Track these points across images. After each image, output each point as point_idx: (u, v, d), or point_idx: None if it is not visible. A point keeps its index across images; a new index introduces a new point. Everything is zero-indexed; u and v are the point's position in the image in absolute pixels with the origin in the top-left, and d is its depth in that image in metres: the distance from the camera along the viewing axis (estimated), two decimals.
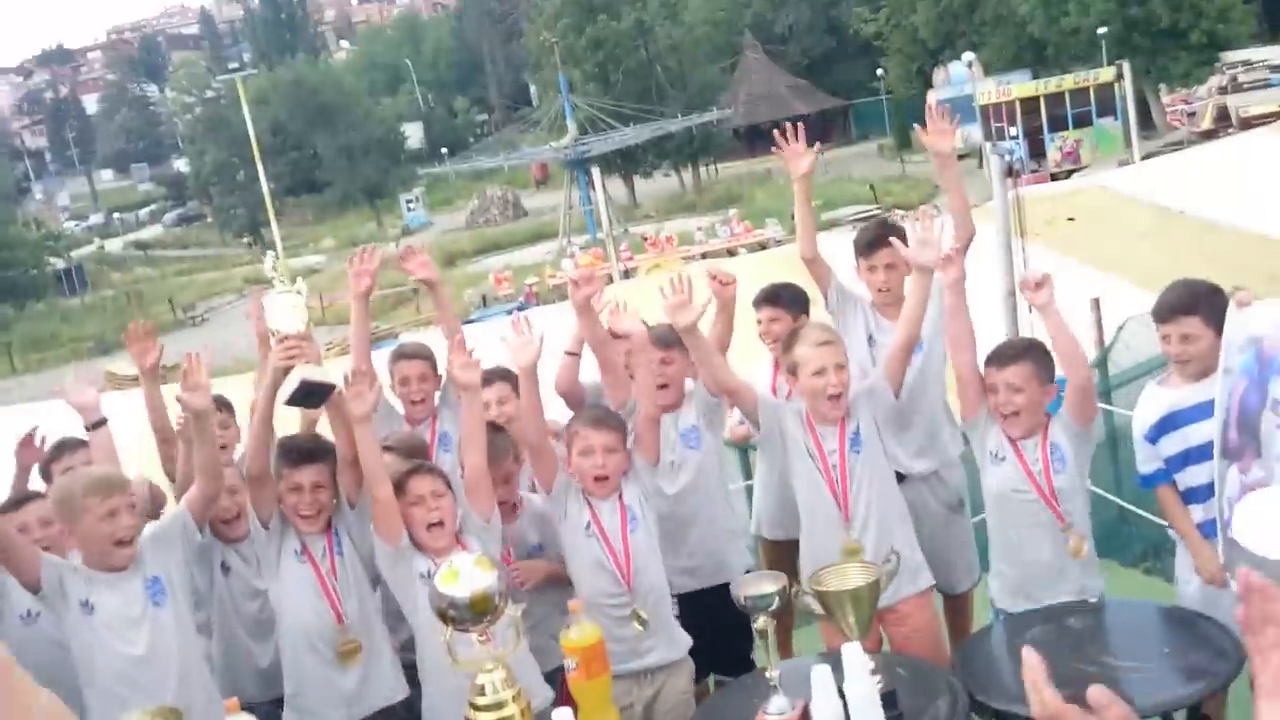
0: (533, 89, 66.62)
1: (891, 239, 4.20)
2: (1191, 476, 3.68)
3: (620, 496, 3.72)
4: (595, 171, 27.94)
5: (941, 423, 4.35)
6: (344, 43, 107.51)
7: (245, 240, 59.40)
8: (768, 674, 3.12)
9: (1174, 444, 3.69)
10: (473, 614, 2.93)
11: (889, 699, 3.05)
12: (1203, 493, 3.65)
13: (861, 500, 3.73)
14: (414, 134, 68.39)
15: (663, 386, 4.07)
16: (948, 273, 3.76)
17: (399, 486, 3.51)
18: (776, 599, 3.10)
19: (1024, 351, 3.71)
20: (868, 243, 4.32)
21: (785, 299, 4.53)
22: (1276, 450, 3.36)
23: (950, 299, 3.81)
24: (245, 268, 54.19)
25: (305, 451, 3.65)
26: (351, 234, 58.15)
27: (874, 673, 3.03)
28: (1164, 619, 3.56)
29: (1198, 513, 3.67)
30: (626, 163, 48.03)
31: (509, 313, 22.24)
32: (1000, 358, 3.72)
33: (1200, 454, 3.62)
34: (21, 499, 3.83)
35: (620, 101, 44.05)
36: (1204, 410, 3.59)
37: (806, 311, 4.52)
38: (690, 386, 4.20)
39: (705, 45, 53.04)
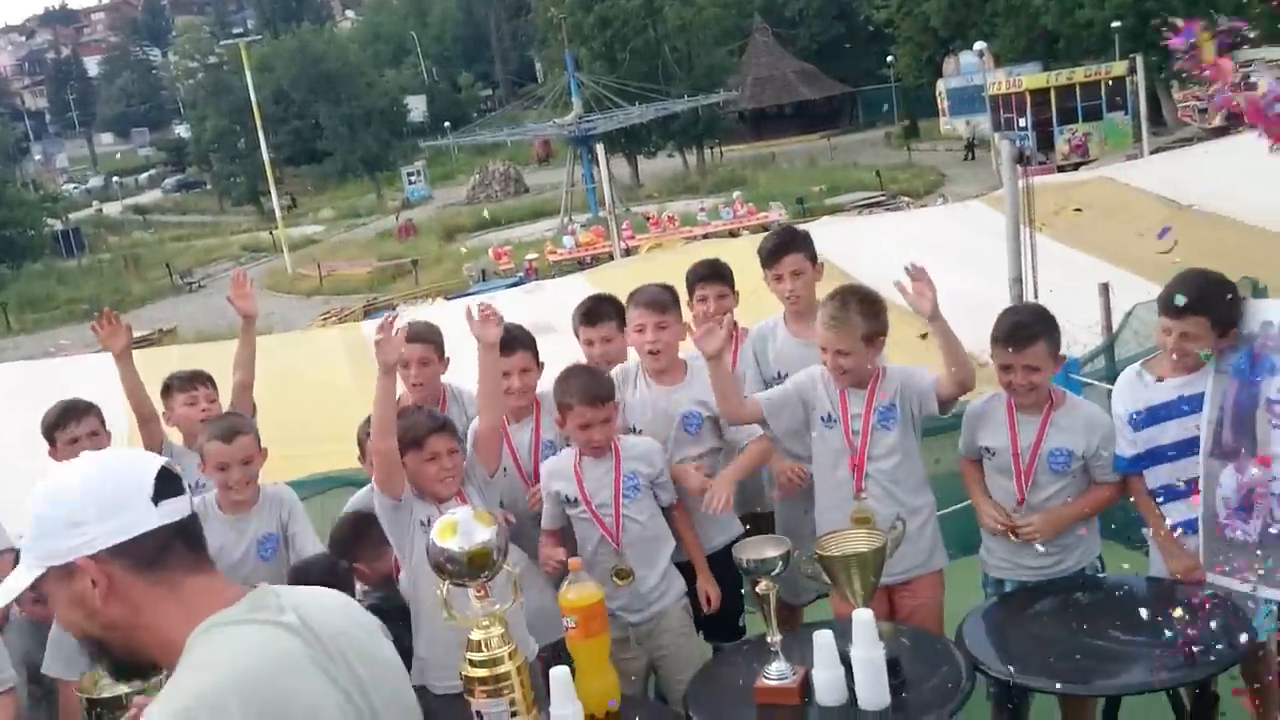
0: (538, 65, 66.36)
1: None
2: (1168, 472, 3.62)
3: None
4: (599, 149, 27.75)
5: None
6: (349, 12, 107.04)
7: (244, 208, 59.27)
8: (768, 639, 3.07)
9: (1154, 436, 3.62)
10: (470, 569, 2.88)
11: (892, 666, 3.00)
12: (1181, 490, 3.60)
13: (881, 471, 3.68)
14: (417, 107, 68.10)
15: (654, 353, 4.06)
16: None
17: (418, 442, 3.50)
18: (779, 564, 3.05)
19: (1039, 328, 3.63)
20: (771, 251, 4.22)
21: (728, 274, 4.45)
22: (1275, 449, 3.35)
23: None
24: (243, 235, 54.06)
25: None
26: (351, 205, 58.13)
27: (880, 639, 2.98)
28: (1170, 593, 3.50)
29: (1180, 509, 3.60)
30: (630, 142, 47.91)
31: (509, 286, 22.25)
32: (1015, 339, 3.61)
33: (1183, 449, 3.58)
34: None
35: (626, 80, 43.88)
36: (1180, 406, 3.57)
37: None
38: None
39: (714, 27, 52.77)
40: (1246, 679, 3.62)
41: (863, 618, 2.92)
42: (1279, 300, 3.73)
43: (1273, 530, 3.34)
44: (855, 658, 2.92)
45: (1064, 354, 3.80)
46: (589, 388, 3.77)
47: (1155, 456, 3.64)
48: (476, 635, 2.90)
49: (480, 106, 76.75)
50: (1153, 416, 3.63)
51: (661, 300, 4.10)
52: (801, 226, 6.32)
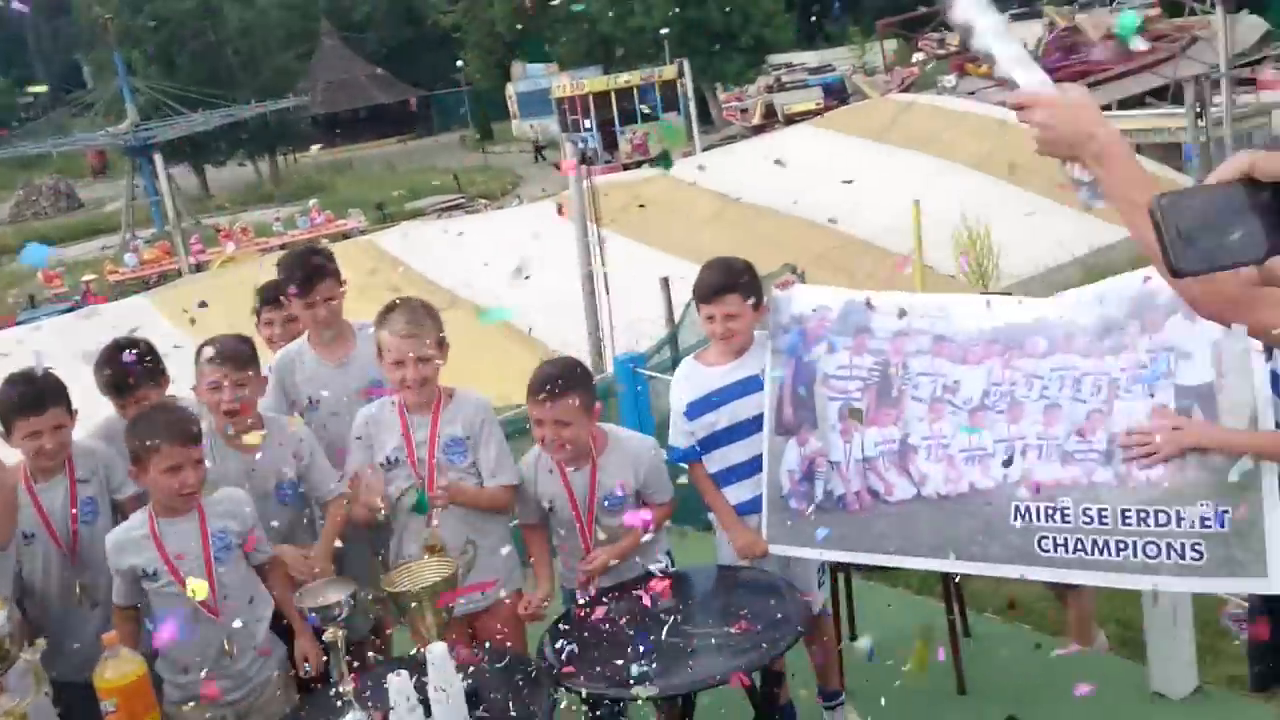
0: (85, 69, 60.92)
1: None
2: (727, 455, 3.80)
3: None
4: (158, 159, 25.86)
5: None
6: None
7: None
8: (339, 688, 2.89)
9: (712, 421, 3.78)
10: None
11: (473, 697, 2.92)
12: (740, 471, 3.78)
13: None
14: None
15: (232, 414, 3.68)
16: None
17: None
18: (344, 608, 2.87)
19: (569, 383, 3.56)
20: (303, 280, 3.96)
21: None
22: (831, 421, 3.58)
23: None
24: None
25: None
26: None
27: (458, 670, 2.89)
28: (735, 581, 3.67)
29: (742, 490, 3.80)
30: (196, 151, 45.06)
31: (64, 312, 20.14)
32: (534, 391, 3.53)
33: (740, 431, 3.76)
34: None
35: (186, 86, 41.21)
36: (743, 387, 3.74)
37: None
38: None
39: (279, 30, 50.84)
40: (808, 643, 3.89)
41: (437, 652, 2.81)
42: (832, 288, 4.00)
43: (835, 496, 3.59)
44: (432, 696, 2.81)
45: (598, 403, 3.77)
46: (177, 425, 3.32)
47: (714, 441, 3.81)
48: None
49: (21, 114, 69.18)
50: (708, 404, 3.79)
51: (241, 354, 3.72)
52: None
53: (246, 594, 3.42)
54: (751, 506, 3.78)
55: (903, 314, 3.53)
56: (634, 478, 3.66)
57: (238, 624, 3.32)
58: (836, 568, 4.31)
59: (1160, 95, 25.79)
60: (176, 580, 3.28)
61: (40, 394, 3.51)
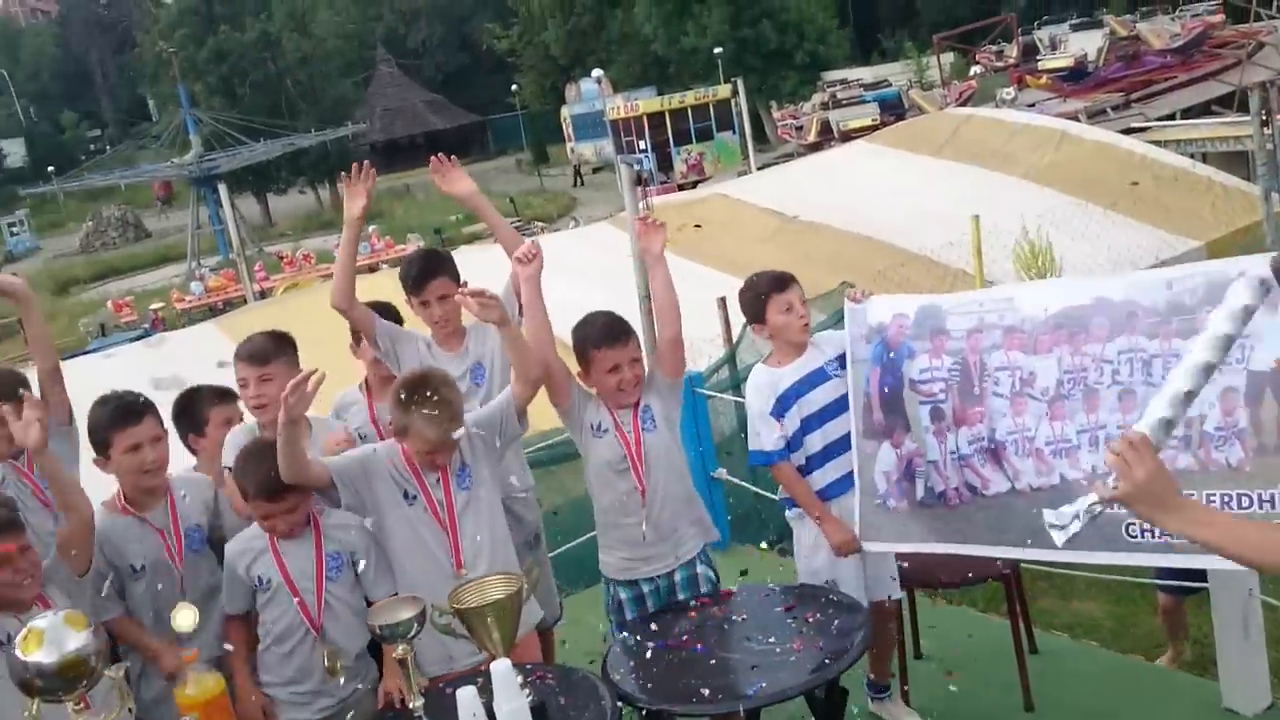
0: (150, 102, 62.46)
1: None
2: (816, 441, 3.86)
3: None
4: (222, 189, 26.37)
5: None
6: None
7: None
8: (410, 705, 2.94)
9: (796, 415, 3.85)
10: (64, 681, 2.53)
11: (539, 712, 2.96)
12: (831, 451, 3.85)
13: (475, 543, 3.47)
14: (14, 151, 62.17)
15: (261, 407, 3.73)
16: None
17: None
18: (415, 625, 2.92)
19: (629, 327, 3.69)
20: (417, 276, 4.06)
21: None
22: (925, 423, 3.66)
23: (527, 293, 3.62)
24: None
25: None
26: None
27: (523, 686, 2.93)
28: (796, 597, 3.67)
29: (833, 470, 3.85)
30: (259, 180, 46.07)
31: (134, 339, 20.58)
32: (614, 336, 3.64)
33: (817, 421, 3.84)
34: None
35: (249, 116, 42.19)
36: (814, 378, 3.84)
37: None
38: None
39: (337, 59, 51.88)
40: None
41: (501, 669, 2.85)
42: (902, 296, 4.06)
43: (936, 492, 3.65)
44: (499, 711, 2.85)
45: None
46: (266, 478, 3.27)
47: (802, 431, 3.86)
48: None
49: (89, 148, 71.02)
50: (790, 400, 3.86)
51: (263, 351, 3.79)
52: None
53: (353, 608, 3.42)
54: (841, 486, 3.84)
55: (981, 304, 3.59)
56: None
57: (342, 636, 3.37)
58: (903, 583, 4.29)
59: (1226, 103, 25.36)
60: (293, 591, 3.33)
61: (135, 405, 3.48)
